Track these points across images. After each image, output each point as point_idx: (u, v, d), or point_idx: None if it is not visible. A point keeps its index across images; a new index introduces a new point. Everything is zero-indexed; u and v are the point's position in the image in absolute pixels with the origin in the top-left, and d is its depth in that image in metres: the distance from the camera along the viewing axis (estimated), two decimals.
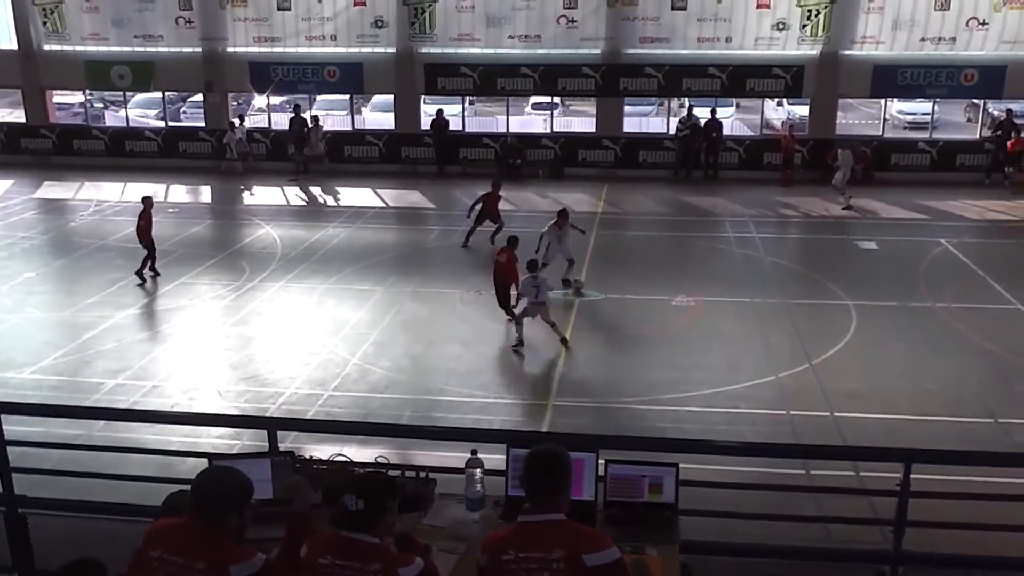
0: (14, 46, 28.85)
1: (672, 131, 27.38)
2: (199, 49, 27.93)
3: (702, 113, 26.85)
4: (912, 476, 5.68)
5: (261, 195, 25.47)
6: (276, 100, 30.22)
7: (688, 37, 25.93)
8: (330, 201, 24.84)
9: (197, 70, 28.04)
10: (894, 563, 5.66)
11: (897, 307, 15.87)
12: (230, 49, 27.85)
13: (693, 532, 5.56)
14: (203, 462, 5.76)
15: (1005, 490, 6.91)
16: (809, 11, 25.44)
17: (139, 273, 17.47)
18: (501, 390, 12.82)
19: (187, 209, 24.21)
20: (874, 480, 7.38)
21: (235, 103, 30.07)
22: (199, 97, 29.76)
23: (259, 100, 30.39)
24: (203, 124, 29.21)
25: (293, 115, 27.79)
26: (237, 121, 27.85)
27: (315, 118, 27.81)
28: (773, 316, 15.62)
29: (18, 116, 30.56)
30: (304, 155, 27.28)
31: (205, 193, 26.25)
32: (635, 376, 13.33)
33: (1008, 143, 25.41)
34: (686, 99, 27.59)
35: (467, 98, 29.11)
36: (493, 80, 27.09)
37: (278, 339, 14.80)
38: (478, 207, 19.82)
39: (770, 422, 11.74)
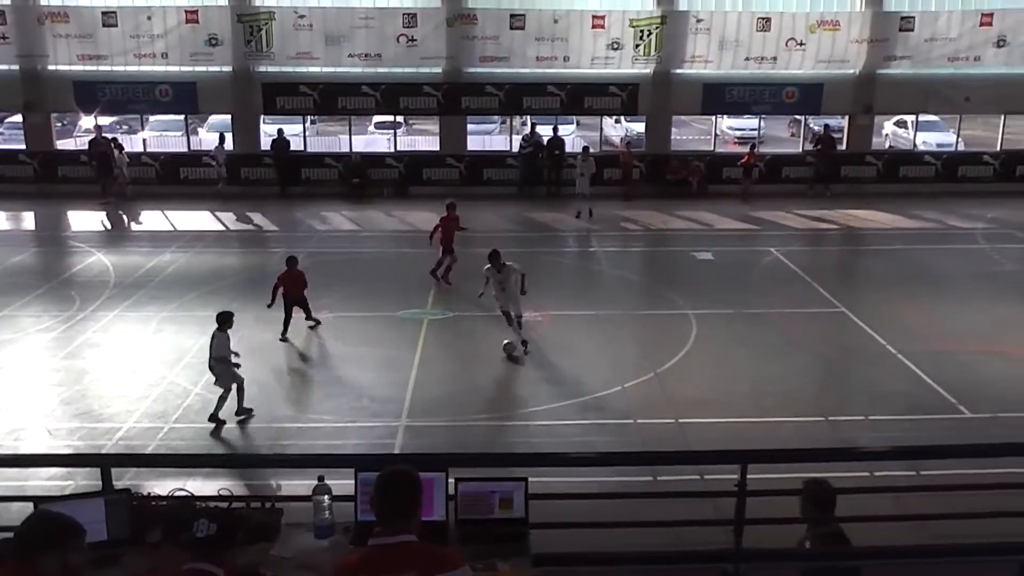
0: None
1: (515, 149, 27.78)
2: (16, 67, 26.34)
3: (544, 131, 27.38)
4: (750, 476, 5.93)
5: (88, 221, 24.20)
6: (105, 120, 28.80)
7: (527, 56, 26.42)
8: (165, 225, 23.84)
9: (15, 89, 26.42)
10: (735, 561, 5.87)
11: (734, 314, 16.60)
12: (51, 67, 26.40)
13: (545, 545, 5.60)
14: (29, 506, 5.41)
15: (834, 484, 7.30)
16: (641, 31, 26.41)
17: None
18: (352, 414, 12.60)
19: (7, 237, 22.74)
20: (718, 483, 7.66)
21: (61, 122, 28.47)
22: (19, 118, 28.01)
23: (86, 121, 28.91)
24: (24, 146, 27.52)
25: (93, 137, 26.48)
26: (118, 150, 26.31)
27: (117, 143, 26.42)
28: (618, 327, 16.04)
29: None
30: (115, 179, 26.05)
31: (28, 219, 24.75)
32: (486, 393, 13.41)
33: (743, 158, 27.02)
34: (528, 117, 28.08)
35: (308, 117, 28.63)
36: (334, 99, 26.77)
37: (114, 371, 14.06)
38: (437, 234, 18.54)
39: (618, 432, 12.01)
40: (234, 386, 12.45)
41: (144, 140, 28.61)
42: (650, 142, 27.99)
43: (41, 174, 26.86)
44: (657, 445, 11.11)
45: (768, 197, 26.28)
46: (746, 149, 27.49)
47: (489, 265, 14.90)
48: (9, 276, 18.88)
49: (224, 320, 12.57)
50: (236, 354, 12.54)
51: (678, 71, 26.80)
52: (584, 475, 8.88)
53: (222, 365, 12.39)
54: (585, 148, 26.00)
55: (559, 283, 18.86)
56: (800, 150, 29.32)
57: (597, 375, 13.87)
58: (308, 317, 15.82)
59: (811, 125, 30.38)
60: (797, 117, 32.22)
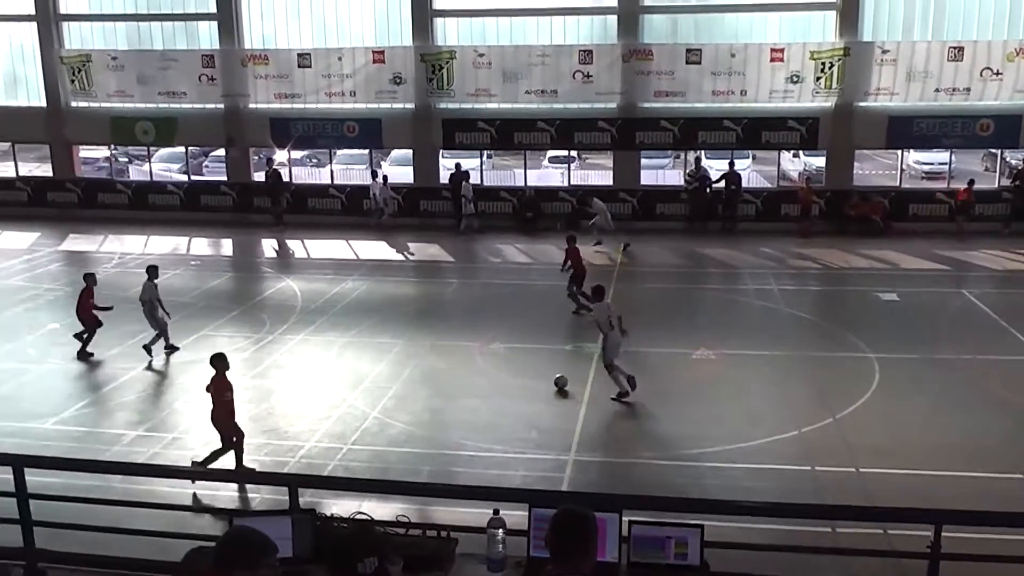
0: (43, 103, 29.54)
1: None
2: (221, 105, 28.44)
3: (719, 165, 26.95)
4: (942, 536, 5.59)
5: (285, 248, 25.60)
6: (297, 154, 30.56)
7: (703, 90, 26.15)
8: (348, 254, 24.93)
9: (219, 125, 28.53)
10: None
11: (920, 359, 15.74)
12: (251, 105, 28.33)
13: None
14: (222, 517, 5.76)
15: None
16: (823, 64, 25.64)
17: (82, 352, 16.42)
18: (520, 445, 12.73)
19: (209, 262, 24.42)
20: (902, 539, 7.26)
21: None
22: (221, 152, 30.18)
23: (280, 155, 30.78)
24: (225, 178, 29.60)
25: (268, 168, 28.16)
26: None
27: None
28: (794, 369, 15.52)
29: (45, 170, 31.12)
30: (282, 208, 27.60)
31: (227, 246, 26.48)
32: (655, 431, 13.25)
33: (960, 191, 25.42)
34: (696, 151, 27.73)
35: (485, 152, 29.36)
36: (510, 134, 27.37)
37: (298, 392, 14.82)
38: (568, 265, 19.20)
39: (793, 478, 11.60)
40: None
41: (332, 172, 30.12)
42: (830, 177, 27.05)
43: (239, 204, 28.76)
44: (835, 494, 10.64)
45: (960, 235, 24.82)
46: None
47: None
48: (208, 298, 20.24)
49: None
50: None
51: (862, 104, 25.83)
52: (758, 521, 8.60)
53: None
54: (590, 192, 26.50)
55: (732, 321, 18.45)
56: (995, 186, 27.56)
57: (770, 417, 13.45)
58: (230, 450, 11.80)
59: (1008, 159, 28.53)
60: (992, 151, 30.33)
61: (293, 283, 21.50)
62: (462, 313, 19.17)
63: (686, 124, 26.48)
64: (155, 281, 16.51)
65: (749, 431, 12.92)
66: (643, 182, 27.88)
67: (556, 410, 13.90)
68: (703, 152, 27.84)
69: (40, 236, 26.76)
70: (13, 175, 30.90)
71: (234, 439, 11.74)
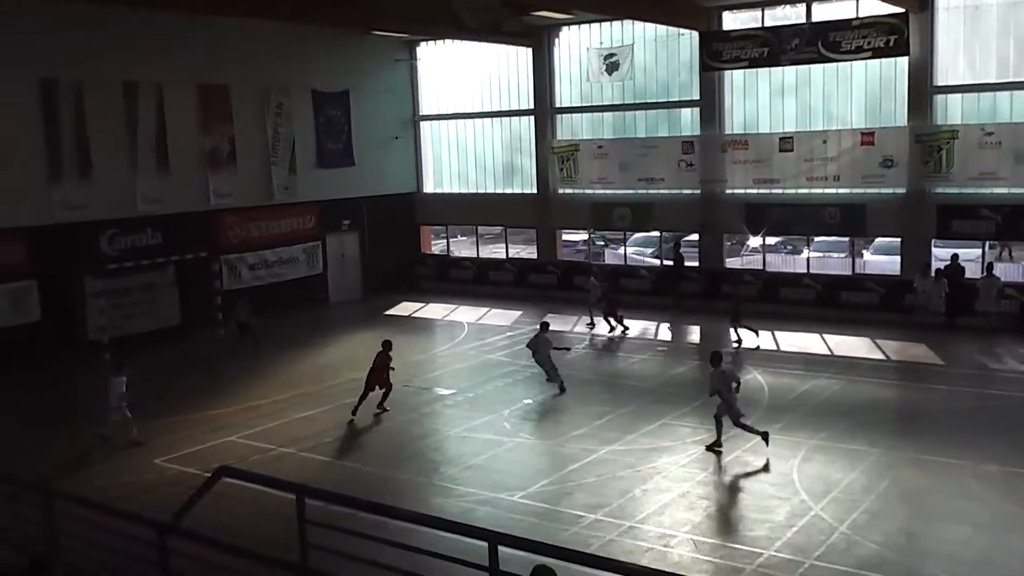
0: (534, 190, 32.26)
1: None
2: (698, 191, 28.64)
3: None
4: None
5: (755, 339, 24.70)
6: (771, 240, 29.55)
7: None
8: (820, 348, 23.28)
9: (694, 211, 28.70)
10: None
11: None
12: (728, 191, 28.16)
13: None
14: None
15: None
16: None
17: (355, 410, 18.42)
18: None
19: (674, 349, 24.37)
20: None
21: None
22: (694, 236, 30.03)
23: (753, 241, 30.20)
24: (697, 264, 29.50)
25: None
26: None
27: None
28: None
29: (530, 253, 33.83)
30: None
31: (694, 333, 26.29)
32: None
33: None
34: None
35: (987, 241, 25.93)
36: (1020, 222, 23.90)
37: (758, 494, 13.81)
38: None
39: None
40: None
41: (808, 261, 28.80)
42: None
43: (708, 291, 28.44)
44: None
45: None
46: None
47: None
48: (672, 386, 20.02)
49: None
50: None
51: None
52: None
53: None
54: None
55: None
56: None
57: None
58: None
59: None
60: None
61: (760, 376, 20.44)
62: (951, 425, 16.71)
63: None
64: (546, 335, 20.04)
65: None
66: None
67: None
68: None
69: (521, 314, 28.62)
70: (503, 256, 34.04)
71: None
